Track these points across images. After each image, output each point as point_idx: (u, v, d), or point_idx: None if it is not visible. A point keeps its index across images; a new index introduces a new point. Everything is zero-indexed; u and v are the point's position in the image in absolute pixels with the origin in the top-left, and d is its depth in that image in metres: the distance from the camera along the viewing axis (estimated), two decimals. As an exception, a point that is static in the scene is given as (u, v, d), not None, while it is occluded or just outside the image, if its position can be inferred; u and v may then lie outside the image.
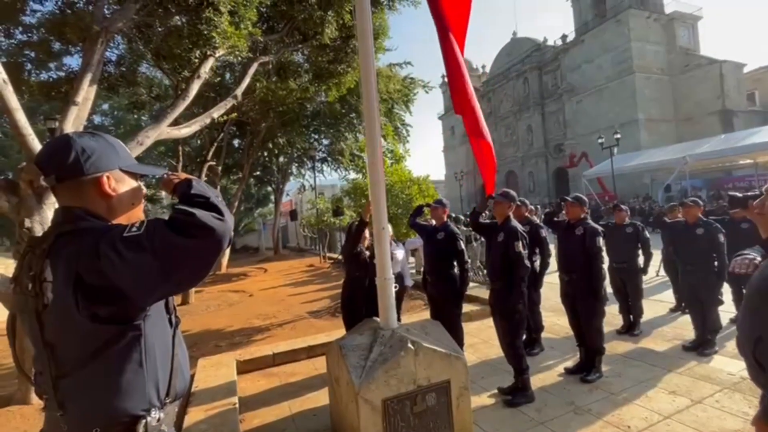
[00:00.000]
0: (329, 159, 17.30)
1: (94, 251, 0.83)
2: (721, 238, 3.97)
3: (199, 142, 14.53)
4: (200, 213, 0.85)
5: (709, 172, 23.93)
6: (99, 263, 0.83)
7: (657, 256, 5.66)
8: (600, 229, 3.59)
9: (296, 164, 18.61)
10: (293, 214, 19.51)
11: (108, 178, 0.97)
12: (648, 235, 4.92)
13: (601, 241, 3.51)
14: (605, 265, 3.64)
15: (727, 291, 4.23)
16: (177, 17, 5.66)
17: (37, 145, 3.62)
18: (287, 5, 7.06)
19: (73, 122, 4.07)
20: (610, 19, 31.63)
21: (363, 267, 3.50)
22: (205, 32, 4.79)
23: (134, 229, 0.84)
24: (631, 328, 4.68)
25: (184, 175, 1.02)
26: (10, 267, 6.68)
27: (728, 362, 3.63)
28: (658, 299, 6.02)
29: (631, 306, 4.78)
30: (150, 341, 0.95)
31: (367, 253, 3.60)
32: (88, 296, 0.84)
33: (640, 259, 4.87)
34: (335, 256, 14.14)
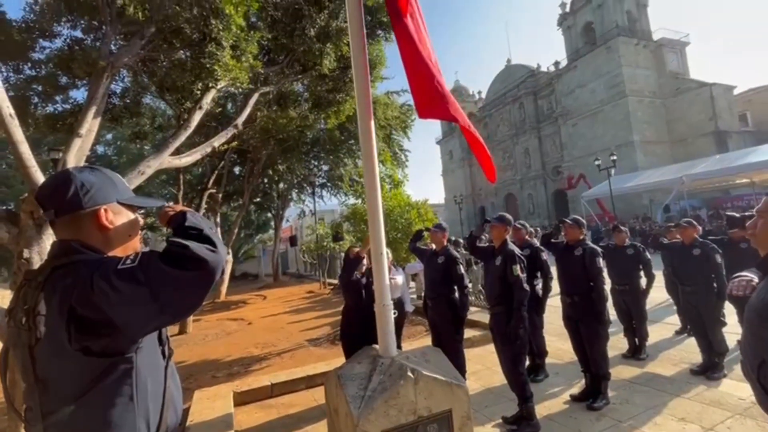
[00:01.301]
0: (329, 184, 17.47)
1: (88, 283, 0.84)
2: (718, 258, 3.96)
3: (200, 169, 14.72)
4: (193, 245, 0.86)
5: (707, 191, 24.09)
6: (92, 295, 0.83)
7: (660, 277, 5.61)
8: (599, 250, 3.59)
9: (296, 190, 18.77)
10: (293, 240, 19.50)
11: (105, 210, 0.99)
12: (649, 257, 4.89)
13: (601, 262, 3.49)
14: (607, 287, 3.60)
15: (732, 312, 4.17)
16: (181, 51, 5.87)
17: (39, 177, 3.67)
18: (287, 38, 7.33)
19: (76, 154, 4.14)
20: (601, 46, 32.70)
21: (358, 295, 3.46)
22: (208, 65, 4.96)
23: (128, 261, 0.85)
24: (636, 351, 4.59)
25: (179, 207, 1.03)
26: (6, 298, 6.61)
27: (738, 386, 3.54)
28: (664, 321, 5.92)
29: (635, 329, 4.70)
30: (142, 374, 0.94)
31: (364, 280, 3.56)
32: (80, 329, 0.84)
33: (643, 281, 4.83)
34: (335, 282, 14.02)
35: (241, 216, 16.54)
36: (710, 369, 3.86)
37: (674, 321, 5.59)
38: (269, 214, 23.52)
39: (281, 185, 18.09)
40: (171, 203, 1.12)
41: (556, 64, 37.93)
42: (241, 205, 15.97)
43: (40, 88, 7.07)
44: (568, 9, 36.79)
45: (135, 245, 1.08)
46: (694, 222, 4.48)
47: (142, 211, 1.14)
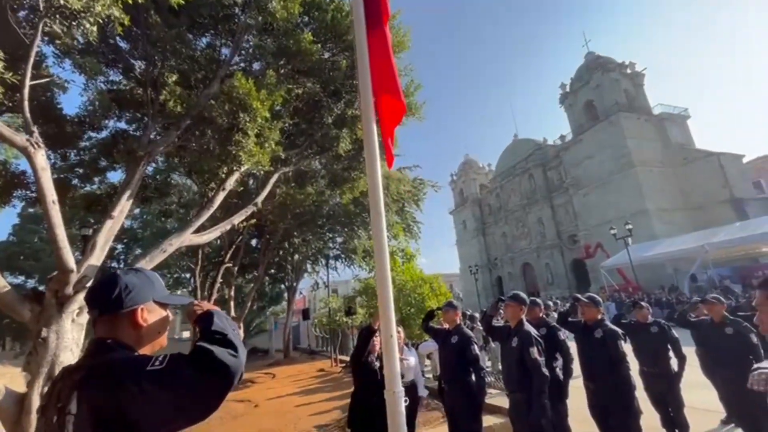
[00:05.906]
0: (343, 256, 17.58)
1: (118, 384, 0.89)
2: (754, 338, 3.72)
3: (218, 242, 15.11)
4: (218, 350, 0.93)
5: (734, 260, 23.16)
6: (120, 396, 0.88)
7: (692, 355, 5.20)
8: (620, 331, 3.44)
9: (310, 262, 18.89)
10: (306, 313, 19.19)
11: (142, 310, 1.08)
12: (676, 335, 4.60)
13: (623, 345, 3.33)
14: (635, 369, 3.38)
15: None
16: (210, 139, 6.47)
17: (70, 258, 3.88)
18: (307, 124, 8.02)
19: (107, 234, 4.40)
20: (603, 121, 34.27)
21: (373, 379, 3.31)
22: (234, 152, 5.41)
23: (157, 363, 0.91)
24: (678, 446, 4.12)
25: (206, 306, 1.12)
26: (15, 378, 6.53)
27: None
28: (705, 408, 5.35)
29: (673, 418, 4.26)
30: None
31: (377, 363, 3.43)
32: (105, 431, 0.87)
33: (674, 362, 4.49)
34: (346, 359, 13.44)
35: (255, 288, 16.53)
36: (766, 470, 3.41)
37: (717, 406, 5.05)
38: (283, 286, 23.44)
39: (296, 257, 18.29)
40: (198, 300, 1.20)
41: (562, 137, 39.60)
42: (256, 278, 16.05)
43: (81, 171, 7.75)
44: (568, 89, 39.42)
45: (162, 341, 1.16)
46: (722, 298, 4.29)
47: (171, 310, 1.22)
